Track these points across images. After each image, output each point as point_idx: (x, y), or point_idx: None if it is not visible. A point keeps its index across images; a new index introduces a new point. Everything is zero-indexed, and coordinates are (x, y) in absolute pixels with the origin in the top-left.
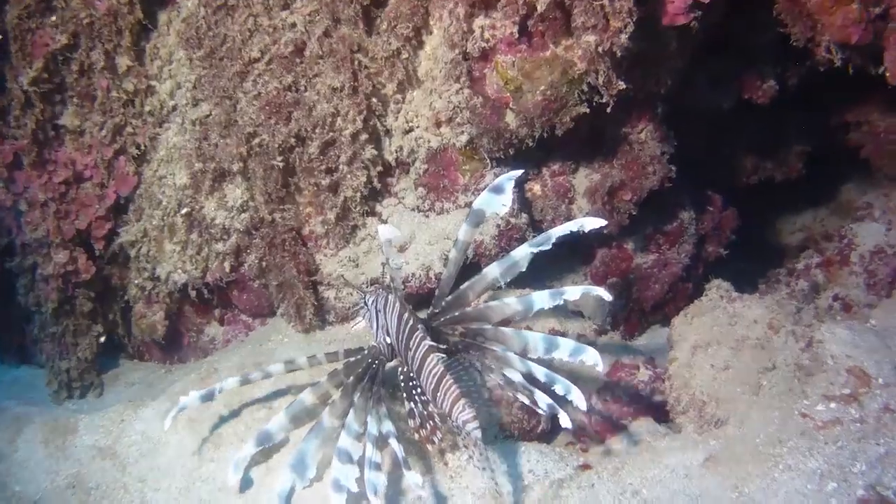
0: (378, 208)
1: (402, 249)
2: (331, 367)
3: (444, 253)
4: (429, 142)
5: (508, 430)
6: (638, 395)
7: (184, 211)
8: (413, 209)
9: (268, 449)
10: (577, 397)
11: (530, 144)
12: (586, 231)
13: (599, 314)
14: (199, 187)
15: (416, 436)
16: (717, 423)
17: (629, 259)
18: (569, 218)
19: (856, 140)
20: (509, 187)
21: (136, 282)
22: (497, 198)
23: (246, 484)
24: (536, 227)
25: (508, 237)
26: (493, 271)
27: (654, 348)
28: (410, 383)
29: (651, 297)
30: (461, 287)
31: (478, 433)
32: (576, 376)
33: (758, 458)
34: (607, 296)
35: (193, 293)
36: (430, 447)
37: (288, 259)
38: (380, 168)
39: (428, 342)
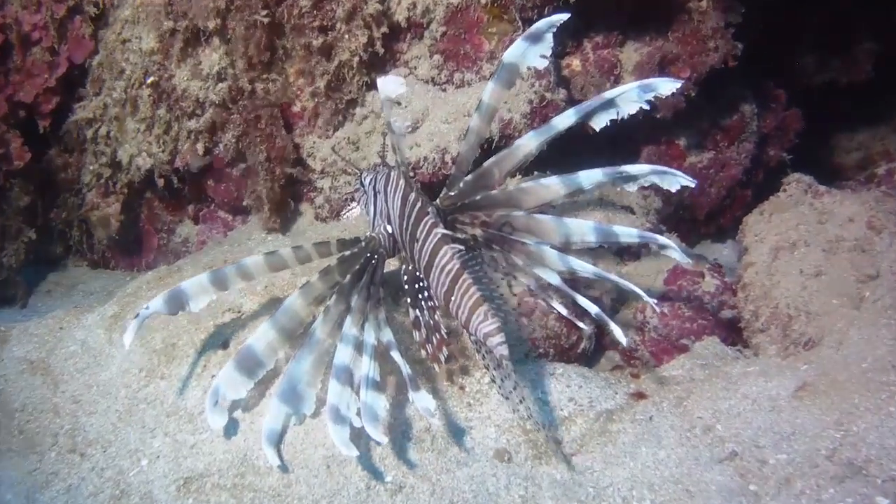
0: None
1: (413, 128)
2: (322, 262)
3: (463, 132)
4: None
5: (542, 347)
6: (703, 308)
7: (150, 80)
8: (427, 81)
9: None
10: (644, 297)
11: (571, 0)
12: (657, 95)
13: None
14: (168, 52)
15: (423, 352)
16: (807, 344)
17: (681, 157)
18: None
19: None
20: (550, 34)
21: (91, 167)
22: (534, 48)
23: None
24: None
25: (543, 115)
26: (526, 143)
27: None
28: (417, 285)
29: (706, 203)
30: (484, 164)
31: (504, 349)
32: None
33: (866, 387)
34: (689, 181)
35: (161, 182)
36: (436, 367)
37: (260, 140)
38: (385, 29)
39: (440, 230)
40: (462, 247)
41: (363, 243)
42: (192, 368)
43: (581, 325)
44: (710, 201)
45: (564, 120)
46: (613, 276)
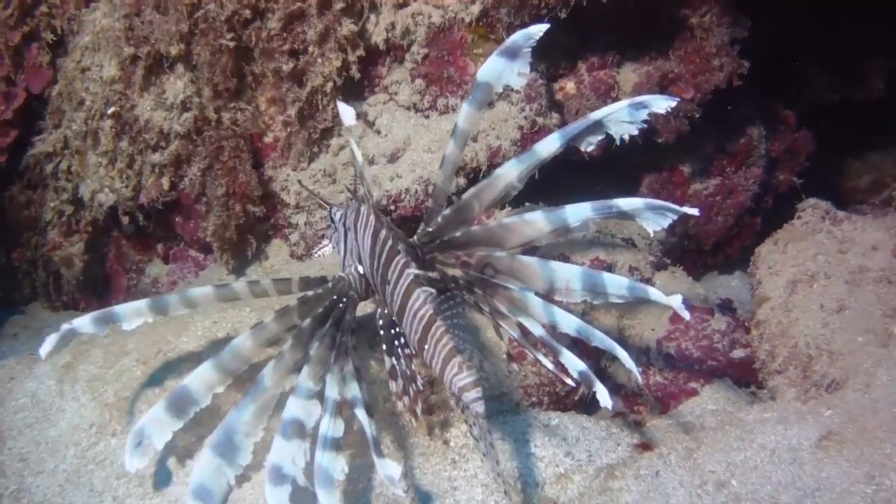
0: (362, 107)
1: (393, 158)
2: (281, 300)
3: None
4: (429, 17)
5: (535, 395)
6: (713, 347)
7: (111, 111)
8: (408, 107)
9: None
10: (626, 361)
11: (562, 16)
12: (652, 114)
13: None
14: (130, 80)
15: (400, 405)
16: (830, 386)
17: (685, 184)
18: None
19: None
20: (528, 49)
21: (52, 204)
22: (510, 64)
23: (164, 476)
24: None
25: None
26: (507, 172)
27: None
28: (393, 330)
29: (712, 232)
30: (463, 196)
31: (479, 406)
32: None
33: None
34: (692, 211)
35: (125, 219)
36: (414, 421)
37: (221, 173)
38: (361, 52)
39: (412, 270)
40: (433, 290)
41: (330, 284)
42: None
43: (569, 380)
44: (717, 230)
45: (548, 146)
46: (598, 334)
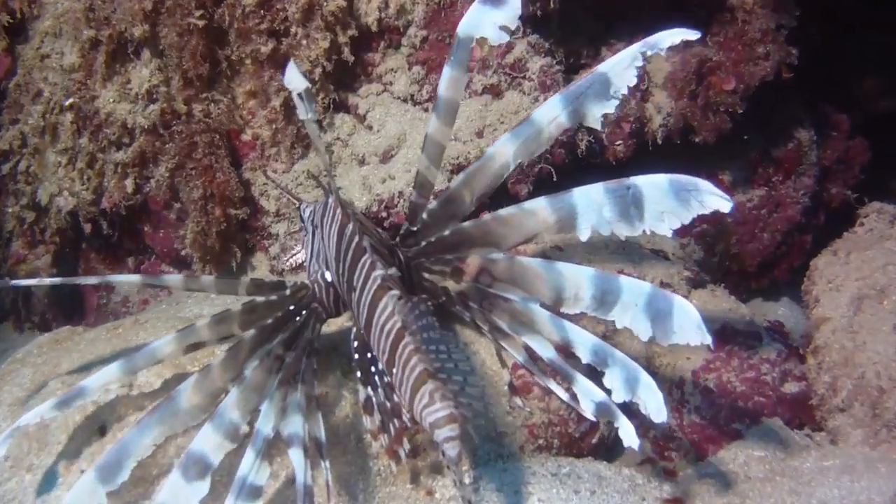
0: (352, 99)
1: (386, 157)
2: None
3: (449, 160)
4: None
5: (543, 437)
6: (760, 381)
7: (68, 102)
8: (405, 99)
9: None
10: (651, 396)
11: None
12: (664, 50)
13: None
14: (91, 68)
15: (377, 445)
16: None
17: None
18: (641, 120)
19: None
20: None
21: (10, 210)
22: (494, 12)
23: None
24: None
25: None
26: (501, 150)
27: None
28: (369, 355)
29: (757, 251)
30: (451, 186)
31: (453, 448)
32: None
33: None
34: (724, 199)
35: (87, 227)
36: (394, 465)
37: (196, 173)
38: (353, 32)
39: (379, 272)
40: (406, 295)
41: (287, 291)
42: (58, 460)
43: (588, 414)
44: (762, 249)
45: (548, 111)
46: (620, 355)
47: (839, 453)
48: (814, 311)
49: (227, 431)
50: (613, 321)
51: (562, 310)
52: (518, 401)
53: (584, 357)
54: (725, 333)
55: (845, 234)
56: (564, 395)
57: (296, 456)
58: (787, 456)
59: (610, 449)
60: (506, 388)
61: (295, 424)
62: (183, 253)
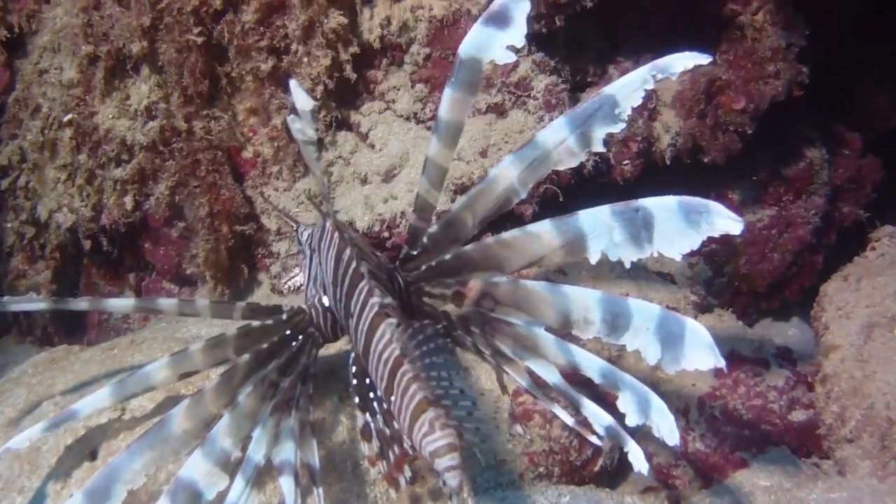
0: (354, 116)
1: (388, 176)
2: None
3: (452, 180)
4: (431, 10)
5: (544, 465)
6: (767, 409)
7: (66, 118)
8: (408, 117)
9: None
10: (664, 419)
11: (588, 5)
12: (675, 75)
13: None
14: (89, 84)
15: (374, 472)
16: None
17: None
18: (649, 139)
19: None
20: (521, 14)
21: (10, 225)
22: (498, 35)
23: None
24: (600, 155)
25: None
26: (505, 172)
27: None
28: (367, 380)
29: (767, 272)
30: (453, 209)
31: (454, 478)
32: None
33: None
34: (735, 220)
35: (87, 243)
36: (393, 492)
37: (200, 191)
38: (355, 49)
39: (377, 300)
40: (403, 322)
41: (284, 316)
42: (47, 483)
43: (594, 439)
44: (772, 269)
45: (554, 134)
46: (629, 378)
47: (846, 485)
48: (823, 338)
49: (217, 459)
50: (624, 346)
51: (573, 333)
52: (518, 428)
53: (595, 379)
54: (732, 360)
55: (856, 259)
56: (570, 420)
57: (286, 484)
58: (793, 486)
59: (613, 475)
60: (506, 415)
61: (287, 451)
62: (188, 272)
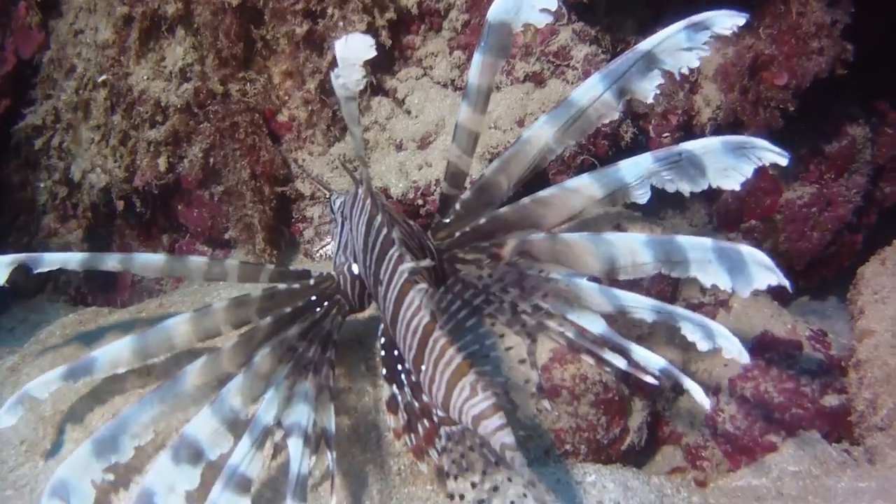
0: (390, 82)
1: (424, 143)
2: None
3: (489, 149)
4: None
5: (570, 442)
6: (799, 392)
7: (101, 79)
8: (445, 84)
9: None
10: (729, 342)
11: None
12: (713, 35)
13: None
14: (124, 45)
15: (399, 444)
16: None
17: (776, 192)
18: (689, 112)
19: None
20: None
21: (42, 185)
22: None
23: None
24: (639, 127)
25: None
26: (539, 132)
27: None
28: (396, 352)
29: (806, 250)
30: (485, 173)
31: (507, 436)
32: None
33: None
34: (781, 155)
35: (120, 204)
36: (423, 466)
37: (240, 154)
38: (391, 14)
39: (407, 264)
40: (428, 287)
41: (311, 281)
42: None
43: (650, 379)
44: (811, 248)
45: (588, 92)
46: (690, 314)
47: (875, 475)
48: (858, 322)
49: (225, 417)
50: (696, 279)
51: (620, 278)
52: (546, 403)
53: (648, 318)
54: (765, 341)
55: (895, 242)
56: (623, 365)
57: (294, 445)
58: (821, 473)
59: (640, 454)
60: (534, 389)
61: (299, 414)
62: (226, 236)
